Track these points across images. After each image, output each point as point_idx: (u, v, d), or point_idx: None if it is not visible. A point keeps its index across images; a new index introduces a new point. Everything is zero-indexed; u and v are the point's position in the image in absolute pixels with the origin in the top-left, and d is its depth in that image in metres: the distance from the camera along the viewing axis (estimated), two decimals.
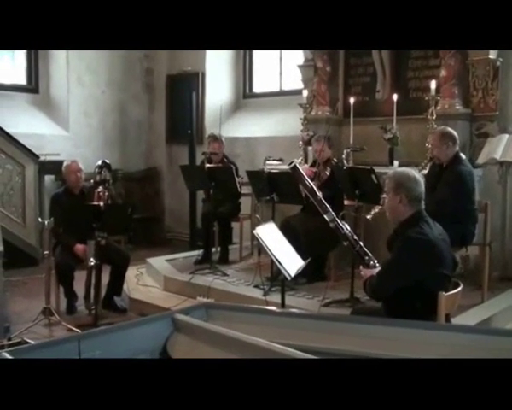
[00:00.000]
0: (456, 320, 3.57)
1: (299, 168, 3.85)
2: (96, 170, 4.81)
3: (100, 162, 4.84)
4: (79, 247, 4.94)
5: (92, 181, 4.93)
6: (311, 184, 3.76)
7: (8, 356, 1.81)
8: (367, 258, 3.30)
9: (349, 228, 3.46)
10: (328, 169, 5.23)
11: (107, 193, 4.76)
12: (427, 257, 2.93)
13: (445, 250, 3.04)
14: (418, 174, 3.16)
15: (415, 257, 2.93)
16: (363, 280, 3.22)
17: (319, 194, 3.66)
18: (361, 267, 3.32)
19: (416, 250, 2.93)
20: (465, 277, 4.63)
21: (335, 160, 5.41)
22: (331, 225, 3.48)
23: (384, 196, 3.17)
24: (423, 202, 3.09)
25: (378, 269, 3.23)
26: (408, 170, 3.18)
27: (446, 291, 2.96)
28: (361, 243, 3.38)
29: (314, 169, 5.31)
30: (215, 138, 6.20)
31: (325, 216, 3.52)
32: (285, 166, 5.77)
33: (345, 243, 3.43)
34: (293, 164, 3.83)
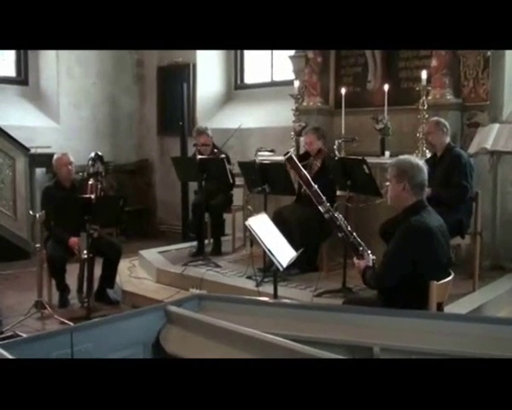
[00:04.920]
0: (447, 309, 3.59)
1: (295, 159, 3.84)
2: (90, 162, 4.79)
3: (93, 155, 4.82)
4: (73, 240, 4.92)
5: (85, 173, 4.91)
6: (307, 174, 3.75)
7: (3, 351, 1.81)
8: (361, 249, 3.30)
9: (343, 219, 3.47)
10: (320, 160, 5.24)
11: (99, 185, 4.74)
12: (427, 243, 2.95)
13: (443, 242, 3.06)
14: (421, 161, 3.17)
15: (415, 243, 2.94)
16: (361, 272, 3.22)
17: (314, 185, 3.66)
18: (355, 258, 3.32)
19: (417, 236, 2.95)
20: (456, 266, 4.67)
21: (326, 150, 5.41)
22: (326, 216, 3.49)
23: (387, 183, 3.17)
24: (426, 189, 3.11)
25: (372, 259, 3.24)
26: (411, 157, 3.19)
27: (439, 280, 2.98)
28: (355, 234, 3.38)
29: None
30: (199, 132, 6.14)
31: (320, 207, 3.53)
32: (277, 157, 5.79)
33: (339, 235, 3.44)
34: (288, 154, 3.83)
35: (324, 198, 3.55)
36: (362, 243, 3.34)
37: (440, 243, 3.02)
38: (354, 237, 3.36)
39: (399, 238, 3.03)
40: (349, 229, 3.41)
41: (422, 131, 5.19)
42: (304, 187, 3.80)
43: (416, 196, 3.05)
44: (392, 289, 3.02)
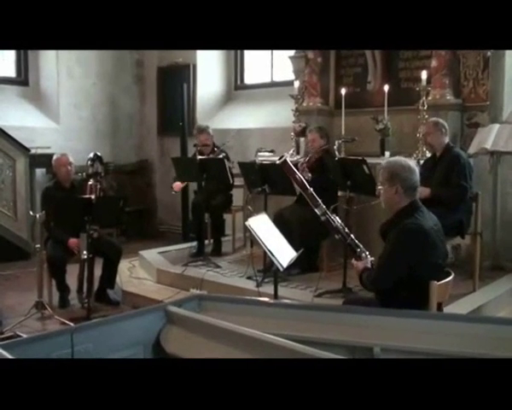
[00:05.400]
0: (448, 309, 3.59)
1: (290, 163, 3.81)
2: (88, 163, 4.79)
3: (92, 155, 4.82)
4: (73, 240, 4.91)
5: (84, 174, 4.90)
6: (302, 178, 3.73)
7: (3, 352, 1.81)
8: (358, 250, 3.29)
9: (340, 221, 3.44)
10: (320, 153, 5.25)
11: (98, 186, 4.73)
12: (422, 245, 2.94)
13: (439, 240, 3.06)
14: (412, 162, 3.15)
15: (410, 246, 2.94)
16: (359, 273, 3.21)
17: (310, 188, 3.64)
18: (353, 260, 3.31)
19: (412, 239, 2.94)
20: (456, 266, 4.68)
21: (327, 146, 5.42)
22: (322, 218, 3.45)
23: (380, 187, 3.16)
24: (418, 190, 3.10)
25: (370, 260, 3.23)
26: (401, 159, 3.15)
27: (439, 280, 2.98)
28: (352, 236, 3.36)
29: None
30: (200, 130, 6.16)
31: (316, 210, 3.49)
32: (277, 158, 5.80)
33: (336, 237, 3.42)
34: (283, 158, 3.80)
35: (320, 201, 3.52)
36: (359, 244, 3.32)
37: (435, 244, 3.01)
38: (351, 239, 3.34)
39: (394, 241, 3.01)
40: (346, 231, 3.38)
41: (422, 131, 5.19)
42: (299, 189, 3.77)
43: (410, 198, 3.03)
44: (389, 290, 3.01)
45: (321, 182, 5.01)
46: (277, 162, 3.89)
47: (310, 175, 5.05)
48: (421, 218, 3.00)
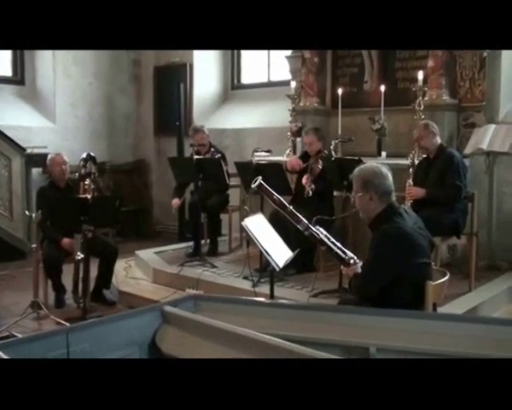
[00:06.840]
0: (443, 309, 3.60)
1: (265, 185, 3.72)
2: (81, 163, 4.77)
3: (84, 155, 4.79)
4: (66, 241, 4.90)
5: (77, 174, 4.89)
6: (280, 198, 3.63)
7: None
8: (346, 258, 3.21)
9: (324, 232, 3.32)
10: (321, 162, 5.23)
11: (93, 186, 4.71)
12: (406, 249, 2.91)
13: (422, 238, 3.01)
14: (384, 167, 3.09)
15: (393, 251, 2.90)
16: (349, 280, 3.19)
17: (289, 206, 3.57)
18: (342, 267, 3.28)
19: (394, 244, 2.90)
20: (452, 266, 4.70)
21: (326, 152, 5.40)
22: (306, 233, 3.34)
23: (353, 195, 3.11)
24: (394, 194, 3.05)
25: (360, 265, 3.18)
26: (373, 165, 3.11)
27: (429, 279, 2.96)
28: (338, 244, 3.28)
29: (301, 163, 5.34)
30: (196, 130, 6.15)
31: (298, 226, 3.40)
32: (274, 158, 5.81)
33: (322, 248, 3.35)
34: (257, 182, 3.69)
35: (301, 217, 3.41)
36: (347, 251, 3.23)
37: (419, 243, 2.96)
38: (338, 248, 3.25)
39: (376, 248, 2.97)
40: (332, 240, 3.28)
41: (415, 134, 5.18)
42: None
43: (385, 203, 2.99)
44: (380, 294, 2.94)
45: (322, 188, 5.03)
46: (253, 186, 3.77)
47: (313, 187, 5.00)
48: (401, 220, 2.95)
